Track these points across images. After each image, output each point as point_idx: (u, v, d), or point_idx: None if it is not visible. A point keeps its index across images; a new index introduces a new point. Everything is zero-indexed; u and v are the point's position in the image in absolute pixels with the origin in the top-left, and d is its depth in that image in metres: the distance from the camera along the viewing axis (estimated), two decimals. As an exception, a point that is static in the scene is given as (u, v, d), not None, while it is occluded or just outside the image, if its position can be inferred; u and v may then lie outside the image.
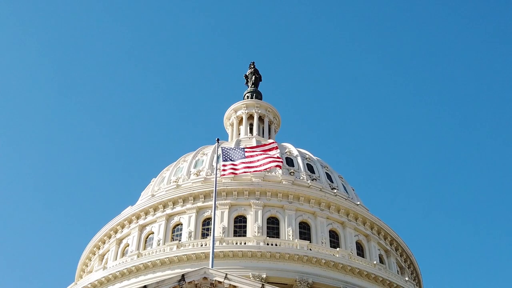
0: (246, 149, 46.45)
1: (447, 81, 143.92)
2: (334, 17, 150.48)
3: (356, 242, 60.07)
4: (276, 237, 56.14)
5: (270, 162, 45.09)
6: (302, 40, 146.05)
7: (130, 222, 62.17)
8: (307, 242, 54.63)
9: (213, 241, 40.89)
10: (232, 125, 79.10)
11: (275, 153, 45.84)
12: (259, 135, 75.47)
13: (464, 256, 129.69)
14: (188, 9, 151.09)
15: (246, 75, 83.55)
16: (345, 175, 71.31)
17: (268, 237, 54.57)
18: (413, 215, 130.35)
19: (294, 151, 68.21)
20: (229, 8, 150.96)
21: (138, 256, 54.52)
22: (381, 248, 62.07)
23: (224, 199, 58.54)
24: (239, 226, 57.97)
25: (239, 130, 78.25)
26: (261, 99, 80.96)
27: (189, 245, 53.60)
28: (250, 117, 78.46)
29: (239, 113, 79.04)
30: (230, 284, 35.54)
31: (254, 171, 46.12)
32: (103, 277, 54.60)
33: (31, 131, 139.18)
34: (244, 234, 56.87)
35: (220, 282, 35.62)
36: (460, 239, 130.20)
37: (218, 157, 45.74)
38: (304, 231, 58.20)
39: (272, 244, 53.21)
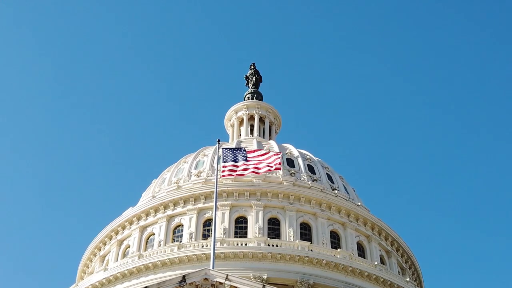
0: (247, 151, 46.46)
1: (447, 81, 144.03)
2: (334, 18, 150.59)
3: (357, 243, 60.07)
4: (277, 238, 56.15)
5: (271, 165, 45.07)
6: (302, 41, 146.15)
7: (131, 223, 62.19)
8: (308, 243, 54.63)
9: (214, 242, 40.88)
10: (232, 126, 79.11)
11: (277, 157, 45.78)
12: (259, 136, 75.49)
13: (465, 256, 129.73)
14: (188, 10, 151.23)
15: (246, 76, 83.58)
16: (346, 176, 71.36)
17: (269, 238, 54.58)
18: (414, 216, 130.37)
19: (295, 152, 68.20)
20: (229, 9, 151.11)
21: (139, 257, 54.54)
22: (382, 249, 62.06)
23: (225, 200, 58.57)
24: (240, 227, 57.98)
25: (239, 131, 78.26)
26: (261, 100, 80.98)
27: (190, 246, 53.60)
28: (251, 118, 78.48)
29: (239, 114, 79.06)
30: (231, 285, 35.53)
31: (254, 172, 46.03)
32: (104, 278, 54.61)
33: (32, 132, 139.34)
34: (245, 235, 56.87)
35: (221, 283, 35.61)
36: (461, 239, 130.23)
37: (218, 158, 45.72)
38: (305, 232, 58.20)
39: (273, 245, 53.21)
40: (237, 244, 53.04)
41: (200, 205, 59.35)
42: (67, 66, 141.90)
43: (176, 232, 59.37)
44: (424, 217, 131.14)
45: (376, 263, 56.72)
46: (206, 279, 35.69)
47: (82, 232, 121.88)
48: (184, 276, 36.03)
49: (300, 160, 66.73)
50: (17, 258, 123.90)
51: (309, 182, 63.08)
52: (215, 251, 42.49)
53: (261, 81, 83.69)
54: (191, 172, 65.77)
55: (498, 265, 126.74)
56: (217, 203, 44.83)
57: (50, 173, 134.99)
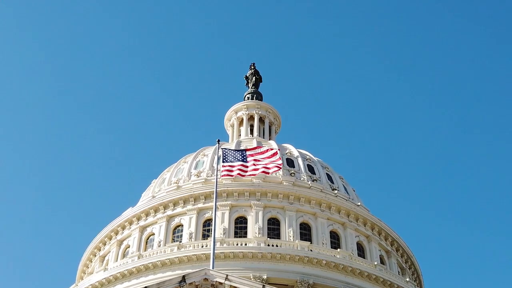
0: (247, 151, 46.44)
1: (447, 81, 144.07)
2: (334, 18, 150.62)
3: (356, 243, 60.07)
4: (277, 238, 56.16)
5: (272, 167, 45.03)
6: (302, 41, 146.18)
7: (130, 223, 62.19)
8: (308, 243, 54.63)
9: (214, 242, 40.85)
10: (232, 126, 79.11)
11: (276, 158, 45.75)
12: (259, 136, 75.47)
13: (465, 256, 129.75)
14: (188, 10, 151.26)
15: (246, 76, 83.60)
16: (345, 176, 71.35)
17: (268, 238, 54.58)
18: (414, 216, 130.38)
19: (295, 152, 68.19)
20: (229, 9, 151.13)
21: (138, 257, 54.54)
22: (382, 249, 62.07)
23: (225, 200, 58.57)
24: (240, 227, 57.97)
25: (239, 131, 78.26)
26: (261, 100, 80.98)
27: (190, 246, 53.60)
28: (251, 118, 78.48)
29: (239, 114, 79.05)
30: (231, 285, 35.53)
31: (255, 174, 45.98)
32: (104, 278, 54.61)
33: (32, 132, 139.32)
34: (244, 235, 56.86)
35: (221, 283, 35.60)
36: (461, 239, 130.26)
37: (218, 158, 45.72)
38: (305, 232, 58.20)
39: (272, 245, 53.21)
40: (237, 244, 53.04)
41: (200, 205, 59.34)
42: (67, 66, 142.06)
43: (176, 232, 59.37)
44: (424, 217, 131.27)
45: (376, 263, 56.72)
46: (206, 279, 35.69)
47: (82, 232, 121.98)
48: (184, 276, 36.02)
49: (300, 160, 66.73)
50: (17, 258, 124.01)
51: (309, 182, 63.07)
52: (215, 251, 42.47)
53: (261, 81, 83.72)
54: (191, 172, 65.76)
55: (498, 265, 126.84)
56: (217, 203, 44.80)
57: (50, 173, 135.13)
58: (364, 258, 58.36)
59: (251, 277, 49.52)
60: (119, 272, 53.99)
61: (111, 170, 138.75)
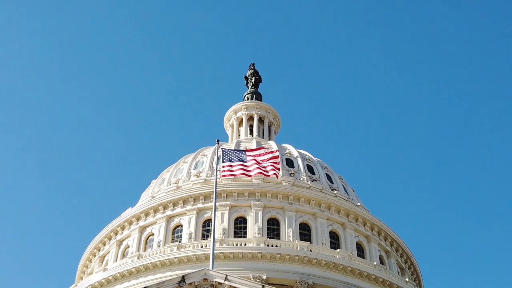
0: (247, 151, 46.42)
1: (447, 81, 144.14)
2: (334, 18, 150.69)
3: (356, 243, 60.07)
4: (277, 238, 56.15)
5: (271, 169, 45.03)
6: (302, 41, 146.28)
7: (130, 223, 62.17)
8: (308, 243, 54.64)
9: (213, 242, 40.88)
10: (232, 126, 79.12)
11: (277, 161, 45.75)
12: (259, 136, 75.47)
13: (465, 256, 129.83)
14: (188, 10, 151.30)
15: (246, 76, 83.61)
16: (345, 176, 71.36)
17: (268, 238, 54.58)
18: (414, 216, 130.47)
19: (294, 152, 68.19)
20: (229, 9, 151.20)
21: (138, 258, 54.53)
22: (381, 249, 62.07)
23: (224, 200, 58.55)
24: (240, 227, 57.96)
25: (239, 131, 78.27)
26: (261, 100, 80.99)
27: (189, 246, 53.60)
28: (250, 118, 78.48)
29: (239, 114, 79.06)
30: (230, 285, 35.57)
31: (254, 174, 45.96)
32: (103, 278, 54.61)
33: (32, 133, 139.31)
34: (244, 235, 56.85)
35: (220, 283, 35.64)
36: (460, 239, 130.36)
37: (218, 159, 45.73)
38: (305, 232, 58.19)
39: (272, 245, 53.21)
40: (237, 245, 53.04)
41: (200, 205, 59.33)
42: (67, 66, 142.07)
43: (175, 233, 59.36)
44: (424, 217, 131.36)
45: (375, 263, 56.74)
46: (205, 279, 35.72)
47: (81, 232, 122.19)
48: (183, 277, 36.06)
49: (299, 161, 66.71)
50: (17, 258, 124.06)
51: (309, 183, 63.07)
52: (215, 252, 42.49)
53: (261, 82, 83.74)
54: (190, 173, 65.75)
55: (498, 265, 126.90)
56: (216, 203, 44.80)
57: (50, 173, 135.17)
58: (363, 258, 58.37)
59: (251, 277, 49.53)
60: (118, 273, 53.99)
61: (111, 170, 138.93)
